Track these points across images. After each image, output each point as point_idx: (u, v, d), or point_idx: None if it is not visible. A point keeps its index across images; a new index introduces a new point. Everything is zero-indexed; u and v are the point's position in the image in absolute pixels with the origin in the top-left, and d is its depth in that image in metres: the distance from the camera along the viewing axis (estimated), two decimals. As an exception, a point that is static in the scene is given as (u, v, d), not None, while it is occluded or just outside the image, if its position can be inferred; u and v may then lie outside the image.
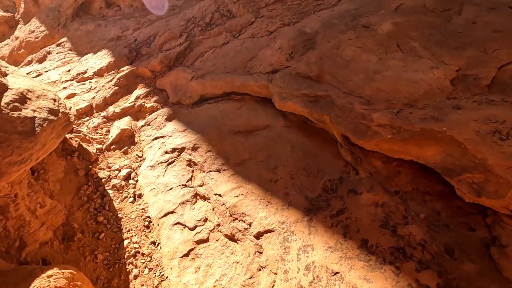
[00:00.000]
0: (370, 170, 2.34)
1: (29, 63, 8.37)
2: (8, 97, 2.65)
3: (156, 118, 4.41)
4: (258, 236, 2.66)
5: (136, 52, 5.89)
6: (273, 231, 2.59)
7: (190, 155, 3.68)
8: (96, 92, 4.88)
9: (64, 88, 5.46)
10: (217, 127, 3.76)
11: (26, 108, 2.74)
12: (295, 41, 3.65)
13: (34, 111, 2.79)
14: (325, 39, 3.29)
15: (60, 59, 8.10)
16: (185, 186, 3.45)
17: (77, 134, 4.09)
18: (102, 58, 6.14)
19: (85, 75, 5.71)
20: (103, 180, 3.62)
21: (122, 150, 4.09)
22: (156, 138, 4.15)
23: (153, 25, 7.51)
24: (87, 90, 5.07)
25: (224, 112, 3.89)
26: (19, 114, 2.62)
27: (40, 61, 8.21)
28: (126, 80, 4.99)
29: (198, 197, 3.34)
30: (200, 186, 3.40)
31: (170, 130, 4.12)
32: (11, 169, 2.38)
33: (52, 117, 2.93)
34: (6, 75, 3.10)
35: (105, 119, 4.53)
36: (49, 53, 8.35)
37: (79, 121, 4.50)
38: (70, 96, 4.98)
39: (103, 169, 3.78)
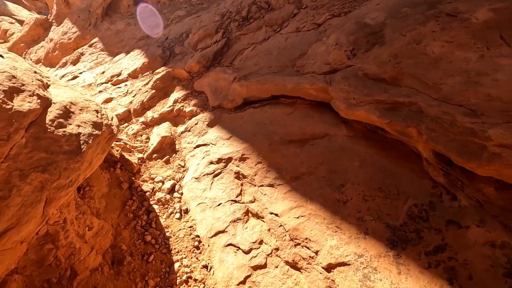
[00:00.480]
0: (478, 198, 1.88)
1: (64, 65, 8.43)
2: (52, 113, 2.44)
3: (196, 124, 4.12)
4: (329, 268, 2.29)
5: (169, 52, 5.62)
6: (349, 264, 2.21)
7: (238, 166, 3.36)
8: (133, 96, 4.68)
9: (100, 91, 5.33)
10: (266, 136, 3.39)
11: (71, 124, 2.53)
12: (355, 35, 3.16)
13: (79, 126, 2.58)
14: (398, 32, 2.78)
15: (93, 60, 8.06)
16: (235, 201, 3.14)
17: (117, 143, 3.90)
18: (135, 59, 5.94)
19: (120, 77, 5.54)
20: (147, 193, 3.40)
21: (163, 159, 3.85)
22: (198, 146, 3.87)
23: (184, 21, 7.21)
24: (123, 94, 4.89)
25: (273, 118, 3.51)
26: (64, 131, 2.41)
27: (74, 62, 8.23)
28: (162, 82, 4.74)
29: (250, 214, 3.02)
30: (251, 202, 3.07)
31: (213, 138, 3.81)
32: (59, 194, 2.17)
33: (97, 132, 2.71)
34: (48, 86, 2.91)
35: (144, 125, 4.31)
36: (82, 54, 8.35)
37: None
38: (107, 101, 4.82)
39: (146, 181, 3.56)
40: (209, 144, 3.78)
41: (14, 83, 2.33)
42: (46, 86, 2.86)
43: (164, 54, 5.47)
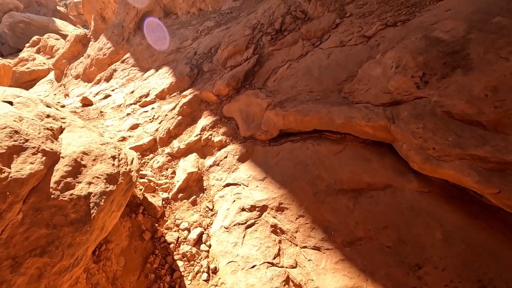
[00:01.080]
0: None
1: (98, 82, 8.49)
2: (59, 171, 2.08)
3: (226, 158, 3.63)
4: None
5: (197, 69, 5.22)
6: None
7: (275, 218, 2.79)
8: (159, 123, 4.32)
9: (128, 114, 5.08)
10: (309, 181, 2.78)
11: (80, 182, 2.16)
12: (425, 56, 2.43)
13: (90, 184, 2.20)
14: (493, 52, 2.02)
15: (124, 76, 8.00)
16: (272, 264, 2.57)
17: (141, 180, 3.53)
18: (163, 77, 5.64)
19: (148, 98, 5.26)
20: (172, 245, 2.96)
21: (190, 200, 3.40)
22: (228, 185, 3.36)
23: (213, 33, 6.79)
24: (149, 119, 4.56)
25: (317, 157, 2.88)
26: (71, 194, 2.04)
27: (108, 79, 8.24)
28: (190, 107, 4.32)
29: (291, 283, 2.43)
30: (292, 267, 2.48)
31: (245, 177, 3.28)
32: (61, 279, 1.79)
33: (111, 187, 2.32)
34: (62, 131, 2.59)
35: (169, 157, 3.92)
36: (115, 70, 8.34)
37: (143, 160, 3.98)
38: (134, 127, 4.53)
39: (171, 229, 3.13)
40: (240, 185, 3.25)
41: (15, 141, 1.99)
42: (59, 132, 2.54)
43: (191, 73, 5.07)
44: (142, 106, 5.13)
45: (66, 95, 11.11)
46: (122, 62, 8.45)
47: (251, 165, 3.38)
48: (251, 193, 3.08)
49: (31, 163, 1.95)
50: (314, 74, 3.53)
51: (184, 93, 4.63)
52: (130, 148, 3.83)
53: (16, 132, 2.04)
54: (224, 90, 4.16)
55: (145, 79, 6.41)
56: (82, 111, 5.65)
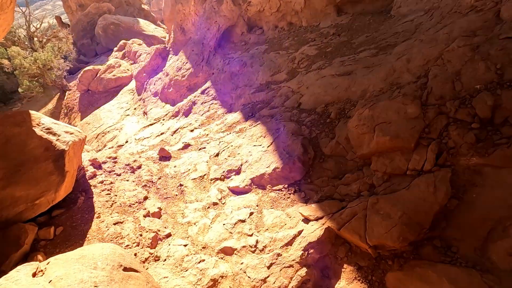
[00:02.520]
0: None
1: (177, 114, 7.52)
2: None
3: None
4: None
5: (312, 146, 3.53)
6: None
7: None
8: (269, 269, 2.65)
9: (214, 204, 3.68)
10: None
11: None
12: None
13: None
14: None
15: (204, 111, 6.81)
16: None
17: None
18: (258, 144, 4.11)
19: (239, 178, 3.78)
20: None
21: None
22: None
23: (321, 73, 4.80)
24: (252, 247, 2.90)
25: None
26: None
27: (186, 113, 7.17)
28: (318, 250, 2.59)
29: None
30: None
31: None
32: None
33: None
34: None
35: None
36: (194, 103, 7.23)
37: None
38: (227, 251, 3.01)
39: None
40: None
41: None
42: None
43: (305, 156, 3.38)
44: (234, 192, 3.71)
45: (145, 113, 10.71)
46: (202, 93, 7.28)
47: None
48: None
49: None
50: None
51: (307, 232, 2.79)
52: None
53: None
54: (392, 243, 2.30)
55: (231, 139, 4.95)
56: (159, 178, 4.54)
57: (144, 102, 11.44)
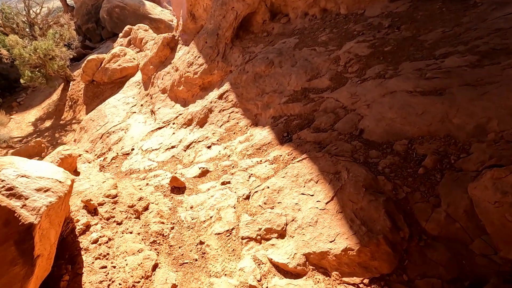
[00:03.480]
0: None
1: (189, 122, 6.31)
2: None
3: None
4: None
5: (403, 216, 2.29)
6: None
7: None
8: None
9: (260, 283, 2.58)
10: None
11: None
12: None
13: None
14: None
15: (223, 122, 5.59)
16: None
17: None
18: (314, 208, 2.90)
19: (289, 260, 2.61)
20: None
21: None
22: None
23: (388, 86, 3.38)
24: None
25: None
26: None
27: (201, 123, 5.95)
28: None
29: None
30: None
31: None
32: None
33: None
34: None
35: None
36: (210, 111, 5.98)
37: None
38: None
39: None
40: None
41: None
42: None
43: (395, 233, 2.15)
44: (278, 269, 2.58)
45: (153, 112, 9.55)
46: (220, 98, 6.00)
47: None
48: None
49: None
50: None
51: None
52: None
53: None
54: None
55: (265, 173, 3.74)
56: (173, 227, 3.43)
57: (151, 98, 10.25)
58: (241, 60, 6.86)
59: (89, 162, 6.84)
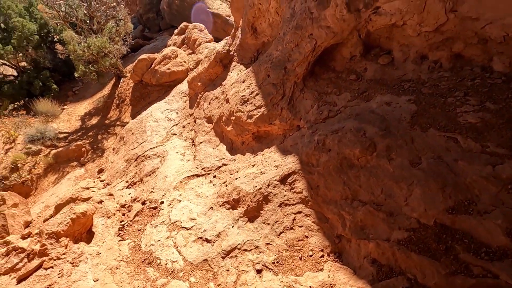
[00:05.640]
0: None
1: (235, 205, 4.46)
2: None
3: None
4: None
5: None
6: None
7: None
8: None
9: None
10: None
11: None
12: None
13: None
14: None
15: (284, 228, 3.69)
16: None
17: None
18: None
19: None
20: None
21: None
22: None
23: None
24: None
25: None
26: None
27: (251, 215, 4.07)
28: None
29: None
30: None
31: None
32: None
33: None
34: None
35: None
36: (266, 199, 4.08)
37: None
38: None
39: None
40: None
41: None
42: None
43: None
44: None
45: (193, 143, 8.02)
46: (282, 181, 4.03)
47: None
48: None
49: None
50: None
51: None
52: None
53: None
54: None
55: None
56: None
57: (195, 122, 8.73)
58: (315, 114, 4.82)
59: (109, 217, 5.46)
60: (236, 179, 4.69)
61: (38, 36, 15.56)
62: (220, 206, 4.46)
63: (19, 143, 11.11)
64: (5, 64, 15.73)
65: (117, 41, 15.23)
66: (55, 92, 16.34)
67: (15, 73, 16.78)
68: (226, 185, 4.75)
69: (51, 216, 6.89)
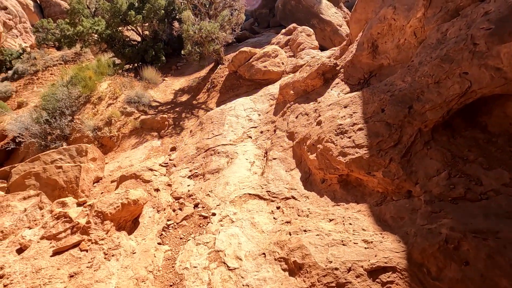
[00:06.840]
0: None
1: (297, 271, 3.47)
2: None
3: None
4: None
5: None
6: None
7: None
8: None
9: None
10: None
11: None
12: None
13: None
14: None
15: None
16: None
17: None
18: None
19: None
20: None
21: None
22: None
23: None
24: None
25: None
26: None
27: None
28: None
29: None
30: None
31: None
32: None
33: None
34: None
35: None
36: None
37: None
38: None
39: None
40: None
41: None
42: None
43: None
44: None
45: (266, 156, 7.23)
46: (372, 274, 2.78)
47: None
48: None
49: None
50: None
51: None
52: None
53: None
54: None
55: None
56: None
57: (275, 132, 7.92)
58: (442, 185, 3.35)
59: (158, 211, 5.10)
60: (304, 231, 3.63)
61: (164, 11, 17.14)
62: (275, 260, 3.48)
63: (119, 101, 12.30)
64: (133, 30, 17.87)
65: (227, 29, 15.66)
66: (162, 63, 17.91)
67: (138, 39, 19.00)
68: (290, 233, 3.74)
69: (116, 183, 7.10)
